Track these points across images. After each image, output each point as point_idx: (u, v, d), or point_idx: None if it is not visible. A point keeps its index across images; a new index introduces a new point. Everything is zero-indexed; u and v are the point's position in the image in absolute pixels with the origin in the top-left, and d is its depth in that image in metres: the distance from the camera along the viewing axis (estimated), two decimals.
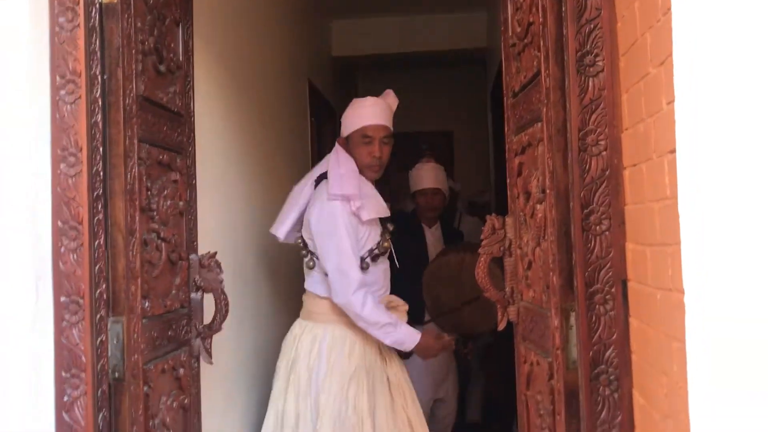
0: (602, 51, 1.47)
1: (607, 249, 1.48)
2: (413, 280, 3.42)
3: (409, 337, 2.69)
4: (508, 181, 2.07)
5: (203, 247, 2.20)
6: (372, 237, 2.74)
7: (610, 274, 1.47)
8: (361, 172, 2.76)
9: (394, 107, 2.88)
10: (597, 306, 1.49)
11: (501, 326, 2.10)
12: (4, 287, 1.50)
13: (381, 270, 2.79)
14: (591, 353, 1.49)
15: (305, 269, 2.81)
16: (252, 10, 3.38)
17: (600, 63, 1.48)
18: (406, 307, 2.83)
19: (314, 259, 2.73)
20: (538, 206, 1.75)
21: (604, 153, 1.48)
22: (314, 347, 2.69)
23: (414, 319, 3.41)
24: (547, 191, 1.64)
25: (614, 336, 1.47)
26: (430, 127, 7.81)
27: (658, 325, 1.26)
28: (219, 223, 2.58)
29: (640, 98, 1.31)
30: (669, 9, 1.09)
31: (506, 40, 2.04)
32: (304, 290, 2.84)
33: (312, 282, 2.79)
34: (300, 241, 2.79)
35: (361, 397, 2.63)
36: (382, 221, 2.81)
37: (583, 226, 1.49)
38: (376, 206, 2.74)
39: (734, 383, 0.99)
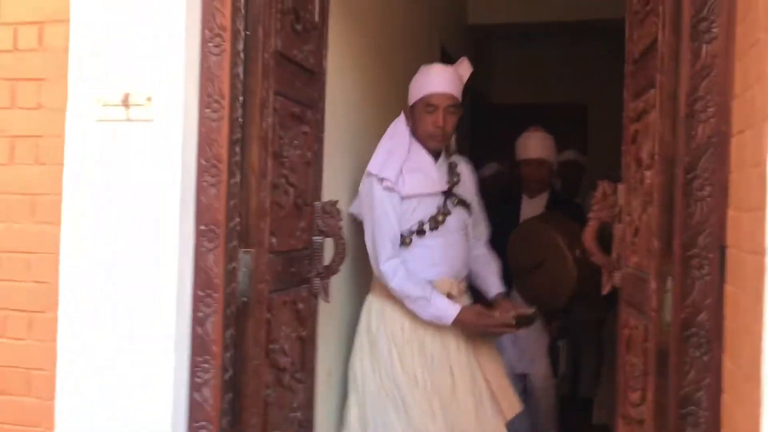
0: (718, 18, 1.48)
1: (707, 214, 1.49)
2: (502, 250, 3.36)
3: (445, 311, 2.56)
4: (623, 148, 2.09)
5: (327, 195, 2.38)
6: (420, 210, 2.65)
7: (709, 239, 1.49)
8: (423, 141, 2.69)
9: (466, 76, 2.77)
10: (693, 270, 1.51)
11: (605, 290, 2.14)
12: (156, 213, 1.74)
13: (435, 245, 2.67)
14: (683, 316, 1.52)
15: None
16: None
17: (714, 30, 1.48)
18: (461, 294, 2.74)
19: None
20: (647, 173, 1.78)
21: (712, 120, 1.49)
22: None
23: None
24: (656, 157, 1.67)
25: (708, 300, 1.50)
26: (562, 99, 7.66)
27: (749, 290, 1.28)
28: (343, 173, 2.76)
29: (750, 65, 1.31)
30: None
31: (630, 7, 2.05)
32: None
33: None
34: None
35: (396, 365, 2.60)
36: (449, 194, 2.72)
37: (685, 191, 1.52)
38: (425, 180, 2.66)
39: None
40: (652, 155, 1.72)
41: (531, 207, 3.72)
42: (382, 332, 2.64)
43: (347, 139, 2.81)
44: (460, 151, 4.98)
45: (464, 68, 2.78)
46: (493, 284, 2.89)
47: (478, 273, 2.90)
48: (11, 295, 1.86)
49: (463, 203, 2.77)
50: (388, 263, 2.58)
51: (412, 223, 2.66)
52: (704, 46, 1.49)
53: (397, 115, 3.68)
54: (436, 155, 2.73)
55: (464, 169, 2.88)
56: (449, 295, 2.65)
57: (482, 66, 7.22)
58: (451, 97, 2.67)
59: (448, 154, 2.81)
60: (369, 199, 2.62)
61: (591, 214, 2.14)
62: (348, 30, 2.84)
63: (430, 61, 4.64)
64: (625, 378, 1.96)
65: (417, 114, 2.70)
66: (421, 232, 2.66)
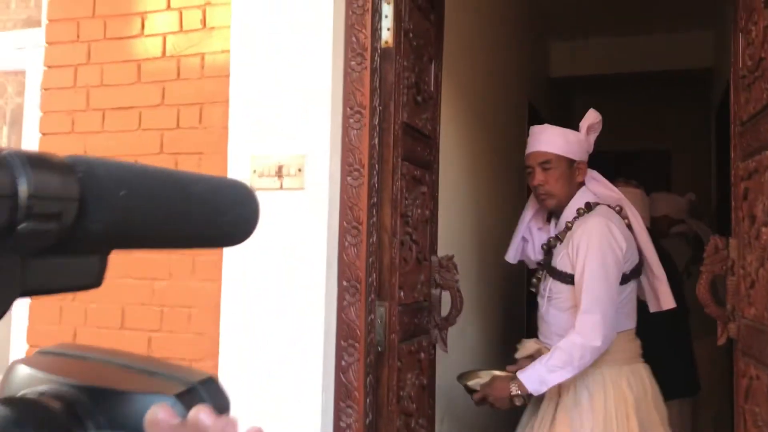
0: None
1: None
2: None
3: None
4: (732, 204, 2.17)
5: (441, 249, 2.55)
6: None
7: None
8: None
9: (583, 126, 2.59)
10: None
11: (720, 341, 2.21)
12: (305, 271, 1.94)
13: (541, 308, 2.59)
14: None
15: None
16: (484, 40, 3.72)
17: None
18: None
19: None
20: (763, 229, 1.87)
21: None
22: None
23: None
24: None
25: None
26: (646, 145, 7.68)
27: None
28: (453, 229, 2.93)
29: None
30: None
31: (736, 71, 2.16)
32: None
33: None
34: None
35: None
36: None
37: None
38: (533, 257, 2.70)
39: None
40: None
41: None
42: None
43: (456, 197, 2.99)
44: None
45: (584, 119, 2.61)
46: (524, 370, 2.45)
47: None
48: (173, 345, 2.08)
49: (549, 268, 2.56)
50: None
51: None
52: None
53: (496, 170, 3.87)
54: (556, 216, 2.60)
55: (577, 231, 2.49)
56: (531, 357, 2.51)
57: (566, 116, 7.38)
58: (542, 153, 2.52)
59: (581, 212, 2.53)
60: None
61: (703, 267, 2.23)
62: (453, 96, 3.05)
63: (520, 116, 4.84)
64: (747, 427, 2.02)
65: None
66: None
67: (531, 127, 2.70)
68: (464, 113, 3.28)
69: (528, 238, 2.74)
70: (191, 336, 2.06)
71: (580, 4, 5.33)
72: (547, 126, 2.64)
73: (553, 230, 2.61)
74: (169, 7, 2.17)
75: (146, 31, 2.19)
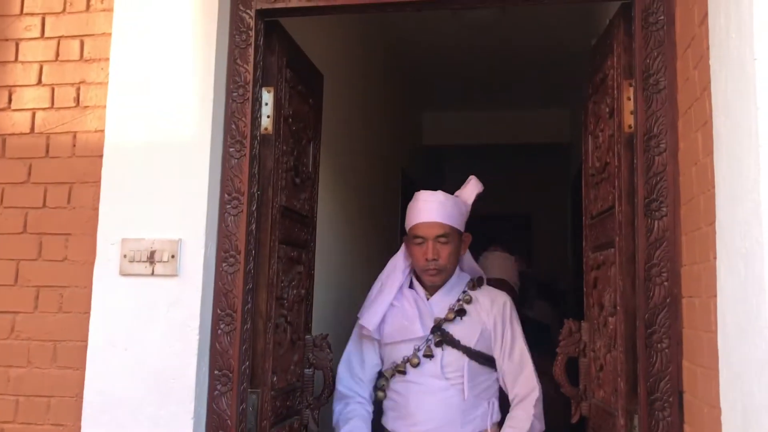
0: (666, 199, 1.80)
1: (666, 364, 1.76)
2: None
3: None
4: (584, 290, 2.36)
5: (316, 329, 2.58)
6: (399, 350, 2.43)
7: (669, 385, 1.75)
8: (419, 275, 2.48)
9: (471, 196, 2.52)
10: (656, 412, 1.76)
11: (574, 419, 2.36)
12: (179, 361, 1.91)
13: (407, 393, 2.39)
14: None
15: None
16: (360, 113, 3.85)
17: (664, 209, 1.80)
18: None
19: None
20: (610, 318, 2.05)
21: (666, 283, 1.78)
22: None
23: None
24: (618, 308, 1.95)
25: None
26: (509, 210, 8.12)
27: None
28: (328, 306, 2.96)
29: (695, 245, 1.62)
30: (713, 186, 1.42)
31: (586, 169, 2.38)
32: None
33: None
34: None
35: None
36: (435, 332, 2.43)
37: (647, 343, 1.79)
38: (402, 326, 2.43)
39: None
40: (614, 305, 2.00)
41: None
42: None
43: (332, 273, 3.04)
44: None
45: (468, 188, 2.53)
46: None
47: None
48: None
49: (453, 343, 2.38)
50: (334, 404, 2.48)
51: (387, 365, 2.46)
52: (656, 221, 1.81)
53: (371, 242, 3.96)
54: (435, 289, 2.49)
55: (484, 303, 2.46)
56: None
57: (438, 182, 7.69)
58: (440, 225, 2.40)
59: (472, 286, 2.51)
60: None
61: (558, 349, 2.39)
62: (330, 172, 3.13)
63: (394, 183, 5.01)
64: None
65: (408, 246, 2.49)
66: (391, 375, 2.43)
67: (420, 192, 2.50)
68: (341, 188, 3.37)
69: (397, 304, 2.47)
70: (49, 428, 1.96)
71: (450, 79, 5.64)
72: (441, 194, 2.48)
73: (431, 303, 2.46)
74: (40, 82, 2.11)
75: (14, 105, 2.11)
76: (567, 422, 2.52)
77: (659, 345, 1.78)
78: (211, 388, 1.97)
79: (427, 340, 2.42)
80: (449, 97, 6.10)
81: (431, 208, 2.44)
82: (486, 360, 2.42)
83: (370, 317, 2.45)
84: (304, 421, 2.45)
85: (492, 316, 2.44)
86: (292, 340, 2.37)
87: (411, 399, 2.39)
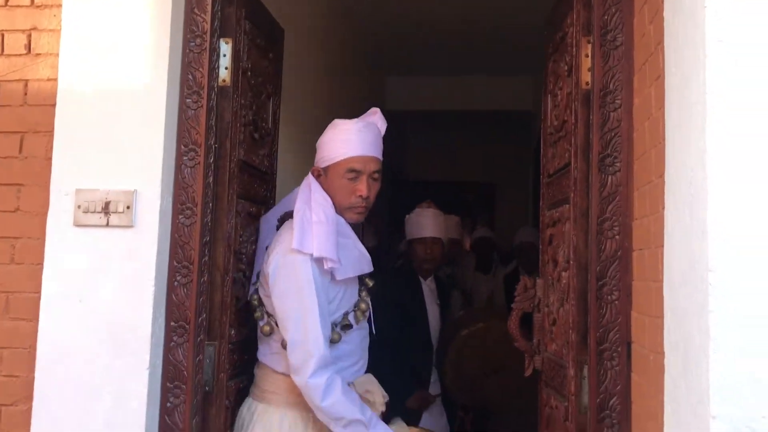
0: (620, 155, 1.83)
1: (616, 315, 1.81)
2: (413, 342, 3.29)
3: None
4: (540, 247, 2.41)
5: None
6: (347, 297, 2.15)
7: (618, 336, 1.80)
8: (339, 211, 2.16)
9: (383, 130, 2.29)
10: (605, 361, 1.81)
11: (527, 373, 2.42)
12: (133, 311, 1.90)
13: (358, 338, 2.18)
14: (598, 400, 1.81)
15: (259, 334, 2.18)
16: (322, 75, 3.82)
17: (618, 164, 1.83)
18: (384, 399, 2.16)
19: (271, 323, 2.11)
20: (563, 273, 2.09)
21: (617, 237, 1.82)
22: None
23: (420, 386, 3.35)
24: (571, 262, 1.99)
25: (618, 387, 1.80)
26: (473, 177, 8.18)
27: (650, 380, 1.58)
28: None
29: (646, 199, 1.65)
30: (664, 139, 1.45)
31: (545, 128, 2.40)
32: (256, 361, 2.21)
33: (267, 352, 2.16)
34: (255, 298, 2.17)
35: None
36: (361, 276, 2.22)
37: (598, 295, 1.83)
38: (357, 259, 2.16)
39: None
40: (567, 260, 2.04)
41: (429, 290, 3.49)
42: None
43: None
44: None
45: (380, 120, 2.29)
46: None
47: None
48: None
49: (369, 289, 2.26)
50: (320, 375, 1.96)
51: (340, 313, 2.12)
52: (610, 177, 1.84)
53: None
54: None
55: None
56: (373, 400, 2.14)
57: (401, 145, 7.68)
58: (377, 161, 2.19)
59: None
60: (293, 283, 2.01)
61: (514, 305, 2.44)
62: (291, 130, 3.10)
63: None
64: None
65: (332, 179, 2.17)
66: (347, 326, 2.13)
67: (353, 122, 2.21)
68: (302, 147, 3.34)
69: (343, 238, 2.16)
70: (2, 379, 1.94)
71: (415, 43, 5.61)
72: (374, 126, 2.24)
73: (358, 242, 2.22)
74: None
75: None
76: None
77: (609, 297, 1.82)
78: (168, 340, 1.97)
79: (362, 282, 2.23)
80: (414, 61, 6.08)
81: (370, 140, 2.18)
82: None
83: (330, 248, 2.03)
84: None
85: None
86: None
87: (359, 345, 2.20)
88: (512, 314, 2.45)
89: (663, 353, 1.44)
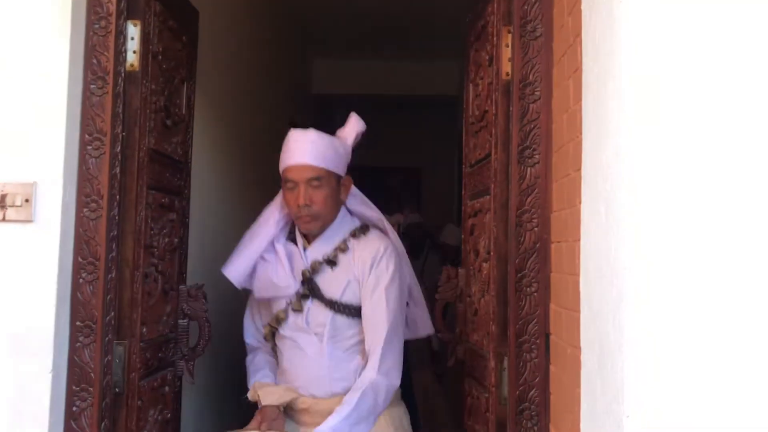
0: (539, 147, 1.82)
1: (534, 307, 1.81)
2: None
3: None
4: (462, 237, 2.40)
5: (191, 279, 2.48)
6: (273, 307, 2.33)
7: (536, 328, 1.81)
8: (296, 222, 2.31)
9: (351, 136, 2.35)
10: (525, 353, 1.81)
11: (450, 363, 2.42)
12: (34, 311, 1.78)
13: (284, 350, 2.32)
14: (518, 392, 1.82)
15: None
16: (242, 58, 3.70)
17: (537, 156, 1.82)
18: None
19: None
20: (484, 264, 2.09)
21: (536, 229, 1.82)
22: None
23: None
24: (491, 253, 1.98)
25: (537, 379, 1.80)
26: (399, 162, 8.18)
27: (568, 373, 1.59)
28: (205, 256, 2.87)
29: (564, 192, 1.65)
30: (581, 133, 1.44)
31: (467, 117, 2.38)
32: None
33: None
34: None
35: None
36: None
37: (517, 287, 1.83)
38: (271, 281, 2.28)
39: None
40: (488, 250, 2.03)
41: None
42: None
43: (209, 222, 2.93)
44: None
45: (348, 126, 2.36)
46: (326, 421, 2.07)
47: None
48: None
49: (320, 297, 2.24)
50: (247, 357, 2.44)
51: (266, 322, 2.37)
52: (529, 168, 1.83)
53: (254, 191, 3.84)
54: (314, 237, 2.30)
55: (362, 253, 2.26)
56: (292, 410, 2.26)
57: (328, 131, 7.56)
58: (311, 168, 2.20)
59: (356, 233, 2.32)
60: None
61: (437, 295, 2.43)
62: (208, 117, 2.99)
63: (281, 133, 4.88)
64: None
65: (282, 191, 2.30)
66: (270, 333, 2.35)
67: (291, 132, 2.30)
68: (220, 134, 3.23)
69: (269, 259, 2.31)
70: None
71: (342, 26, 5.53)
72: (314, 132, 2.27)
73: (307, 253, 2.30)
74: None
75: None
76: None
77: (528, 289, 1.82)
78: (73, 340, 1.86)
79: (297, 293, 2.27)
80: (340, 44, 6.00)
81: (302, 149, 2.22)
82: (357, 312, 2.23)
83: (232, 269, 2.33)
84: (179, 373, 2.38)
85: (361, 263, 2.23)
86: (165, 291, 2.27)
87: (285, 355, 2.31)
88: (436, 304, 2.44)
89: (579, 348, 1.44)
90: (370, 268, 2.21)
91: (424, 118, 7.67)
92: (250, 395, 2.32)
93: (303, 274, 2.28)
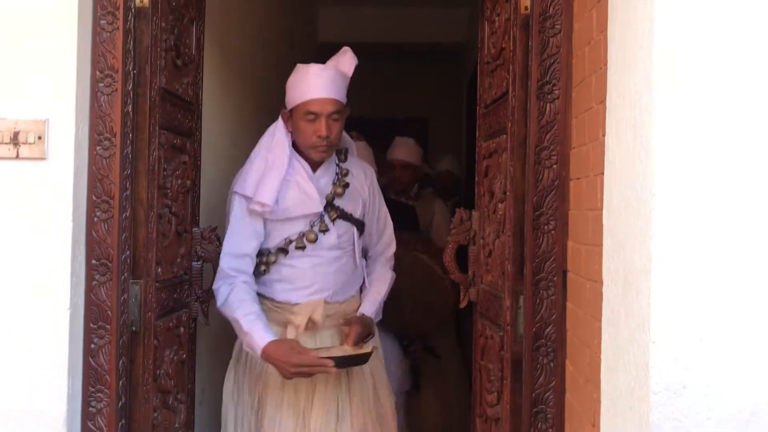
0: (559, 82, 1.79)
1: (552, 245, 1.80)
2: None
3: (253, 341, 2.26)
4: (476, 179, 2.38)
5: (204, 221, 2.48)
6: (289, 226, 2.41)
7: (554, 265, 1.80)
8: (304, 151, 2.41)
9: (350, 70, 2.46)
10: (541, 291, 1.81)
11: (463, 304, 2.42)
12: (49, 249, 1.78)
13: (307, 264, 2.42)
14: (534, 329, 1.82)
15: None
16: (250, 2, 3.63)
17: (557, 92, 1.79)
18: (308, 325, 2.41)
19: None
20: (500, 205, 2.07)
21: (555, 166, 1.80)
22: None
23: None
24: (507, 193, 1.96)
25: (553, 316, 1.80)
26: (406, 113, 8.09)
27: (586, 308, 1.59)
28: (218, 199, 2.85)
29: (585, 126, 1.62)
30: (605, 63, 1.41)
31: (482, 57, 2.34)
32: None
33: None
34: None
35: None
36: (328, 208, 2.45)
37: (534, 225, 1.82)
38: (299, 200, 2.40)
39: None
40: (504, 191, 2.01)
41: None
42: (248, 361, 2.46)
43: (221, 164, 2.91)
44: None
45: (347, 61, 2.47)
46: (363, 306, 2.53)
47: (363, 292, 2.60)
48: None
49: (346, 217, 2.47)
50: (218, 282, 2.34)
51: (278, 240, 2.42)
52: (548, 104, 1.80)
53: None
54: (318, 164, 2.46)
55: (359, 175, 2.55)
56: (311, 321, 2.40)
57: None
58: (334, 102, 2.35)
59: (342, 159, 2.54)
60: (227, 214, 2.43)
61: (449, 237, 2.42)
62: (217, 59, 2.94)
63: (287, 77, 4.81)
64: (482, 381, 2.25)
65: (296, 121, 2.39)
66: (284, 251, 2.42)
67: (308, 66, 2.42)
68: (229, 77, 3.19)
69: (292, 179, 2.41)
70: None
71: None
72: (331, 68, 2.42)
73: (317, 176, 2.45)
74: None
75: None
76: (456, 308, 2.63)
77: (546, 227, 1.81)
78: (89, 279, 1.86)
79: (321, 216, 2.43)
80: None
81: (325, 84, 2.36)
82: (363, 226, 2.56)
83: (266, 192, 2.33)
84: (193, 314, 2.39)
85: (366, 186, 2.57)
86: (178, 232, 2.27)
87: (309, 270, 2.43)
88: (448, 247, 2.43)
89: (600, 281, 1.44)
90: (369, 188, 2.59)
91: (430, 67, 7.56)
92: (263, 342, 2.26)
93: (327, 197, 2.46)
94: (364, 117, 7.53)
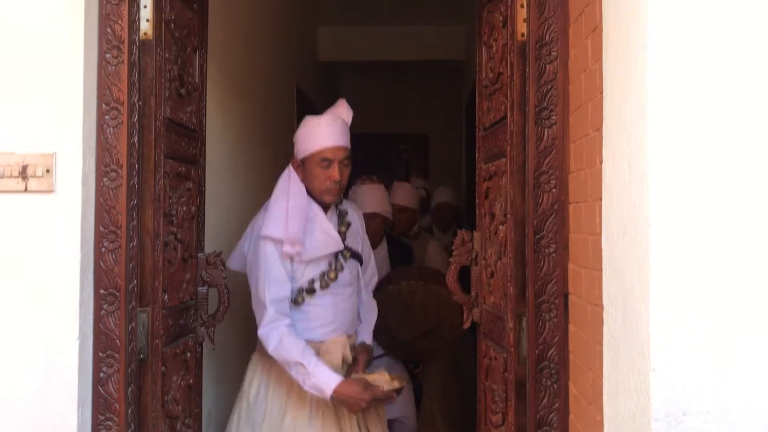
0: (556, 107, 1.82)
1: (553, 268, 1.83)
2: None
3: (324, 384, 2.40)
4: (477, 201, 2.40)
5: (209, 246, 2.51)
6: (312, 268, 2.58)
7: (555, 288, 1.82)
8: (318, 195, 2.60)
9: (350, 120, 2.67)
10: (543, 313, 1.84)
11: (466, 325, 2.44)
12: (58, 279, 1.81)
13: (329, 302, 2.60)
14: (537, 351, 1.84)
15: None
16: (251, 26, 3.68)
17: (554, 117, 1.82)
18: (347, 362, 2.61)
19: None
20: (501, 227, 2.10)
21: (554, 190, 1.83)
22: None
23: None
24: (508, 216, 1.99)
25: (556, 338, 1.83)
26: (406, 129, 8.15)
27: (588, 331, 1.61)
28: (222, 224, 2.89)
29: (582, 152, 1.65)
30: (601, 91, 1.44)
31: (480, 80, 2.38)
32: None
33: None
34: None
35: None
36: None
37: (535, 248, 1.84)
38: (326, 242, 2.59)
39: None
40: (505, 213, 2.04)
41: (378, 257, 3.47)
42: (269, 393, 2.60)
43: (225, 190, 2.95)
44: None
45: (346, 111, 2.68)
46: (362, 335, 2.78)
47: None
48: None
49: (355, 255, 2.71)
50: (268, 327, 2.46)
51: (302, 282, 2.58)
52: (546, 130, 1.83)
53: (265, 158, 3.85)
54: (327, 208, 2.65)
55: (354, 215, 2.80)
56: (343, 357, 2.59)
57: (334, 98, 7.53)
58: (345, 149, 2.59)
59: (339, 201, 2.73)
60: (259, 259, 2.52)
61: (452, 258, 2.44)
62: (219, 85, 2.98)
63: (289, 100, 4.87)
64: (486, 402, 2.27)
65: (309, 168, 2.57)
66: (311, 291, 2.58)
67: (322, 117, 2.63)
68: (232, 102, 3.23)
69: (315, 221, 2.60)
70: None
71: None
72: (338, 119, 2.64)
73: (329, 217, 2.65)
74: None
75: None
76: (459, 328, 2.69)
77: (547, 250, 1.84)
78: (97, 308, 1.88)
79: (337, 255, 2.64)
80: (345, 10, 5.94)
81: (338, 132, 2.60)
82: (362, 261, 2.81)
83: (296, 233, 2.49)
84: (200, 339, 2.41)
85: (359, 225, 2.82)
86: (184, 258, 2.30)
87: (331, 308, 2.62)
88: (450, 268, 2.46)
89: (601, 305, 1.46)
90: (360, 226, 2.83)
91: (430, 83, 7.61)
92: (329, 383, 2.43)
93: (342, 236, 2.67)
94: (365, 133, 7.62)
